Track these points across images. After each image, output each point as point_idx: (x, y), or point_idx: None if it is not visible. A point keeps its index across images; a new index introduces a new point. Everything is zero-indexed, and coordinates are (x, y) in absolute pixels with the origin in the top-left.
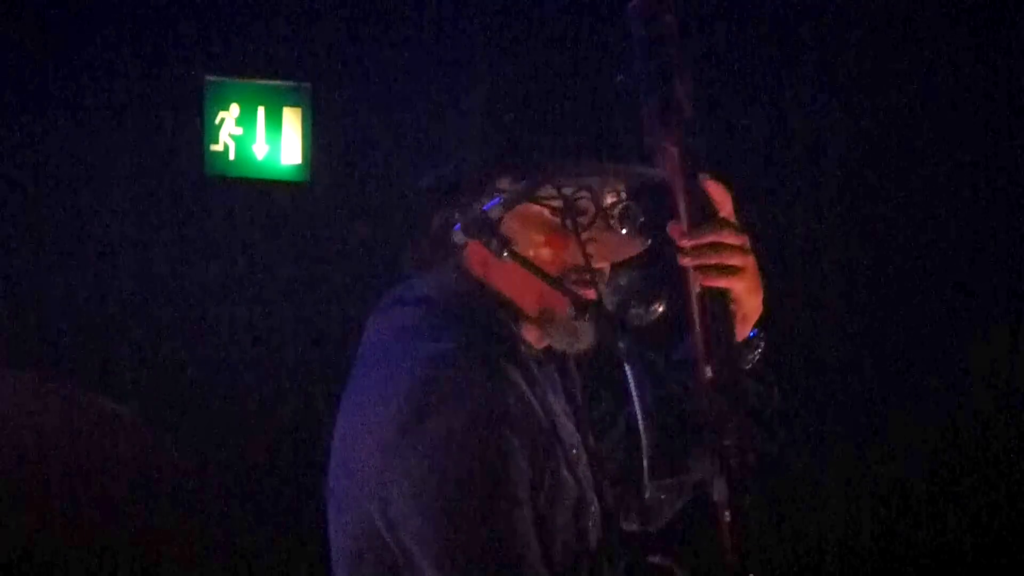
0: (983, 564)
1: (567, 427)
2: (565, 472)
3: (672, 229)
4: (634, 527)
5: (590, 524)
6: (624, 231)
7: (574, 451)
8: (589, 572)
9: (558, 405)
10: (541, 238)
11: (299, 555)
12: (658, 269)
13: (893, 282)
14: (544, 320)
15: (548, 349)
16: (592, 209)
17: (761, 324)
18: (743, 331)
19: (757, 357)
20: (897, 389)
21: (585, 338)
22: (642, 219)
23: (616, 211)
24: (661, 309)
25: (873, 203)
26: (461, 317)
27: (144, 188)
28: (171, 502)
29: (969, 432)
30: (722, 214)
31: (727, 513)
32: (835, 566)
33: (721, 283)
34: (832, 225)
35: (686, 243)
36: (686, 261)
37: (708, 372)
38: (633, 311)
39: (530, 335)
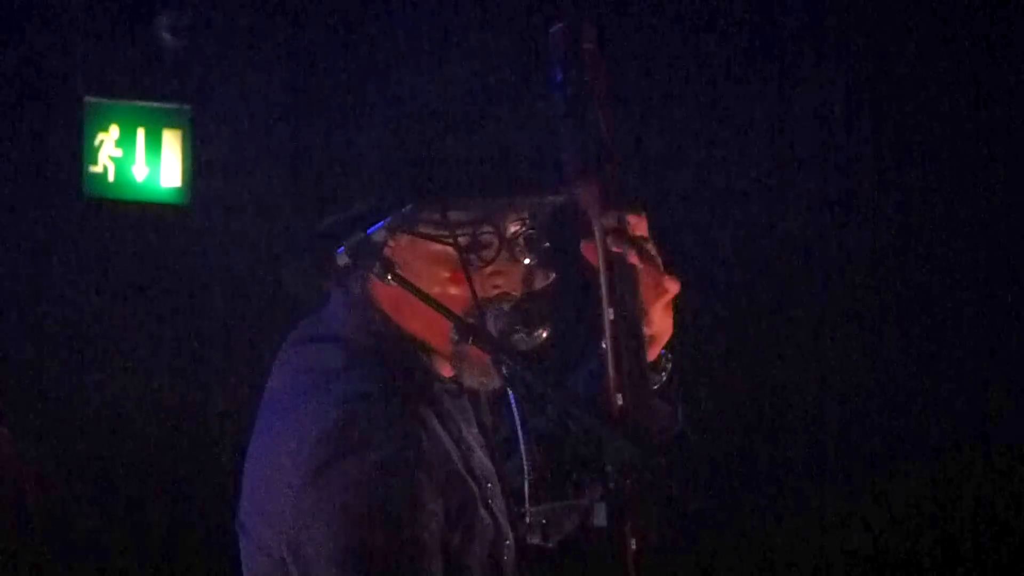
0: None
1: (481, 460)
2: (481, 511)
3: (586, 249)
4: (536, 540)
5: (505, 558)
6: (528, 260)
7: (489, 485)
8: None
9: (471, 437)
10: (441, 274)
11: None
12: (545, 294)
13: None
14: (456, 359)
15: (460, 380)
16: (496, 242)
17: (670, 345)
18: (653, 352)
19: (664, 379)
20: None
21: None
22: (545, 245)
23: (520, 240)
24: (545, 334)
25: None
26: (374, 357)
27: (21, 209)
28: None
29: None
30: (637, 235)
31: (633, 541)
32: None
33: (646, 262)
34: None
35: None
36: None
37: (618, 399)
38: (517, 336)
39: (443, 369)
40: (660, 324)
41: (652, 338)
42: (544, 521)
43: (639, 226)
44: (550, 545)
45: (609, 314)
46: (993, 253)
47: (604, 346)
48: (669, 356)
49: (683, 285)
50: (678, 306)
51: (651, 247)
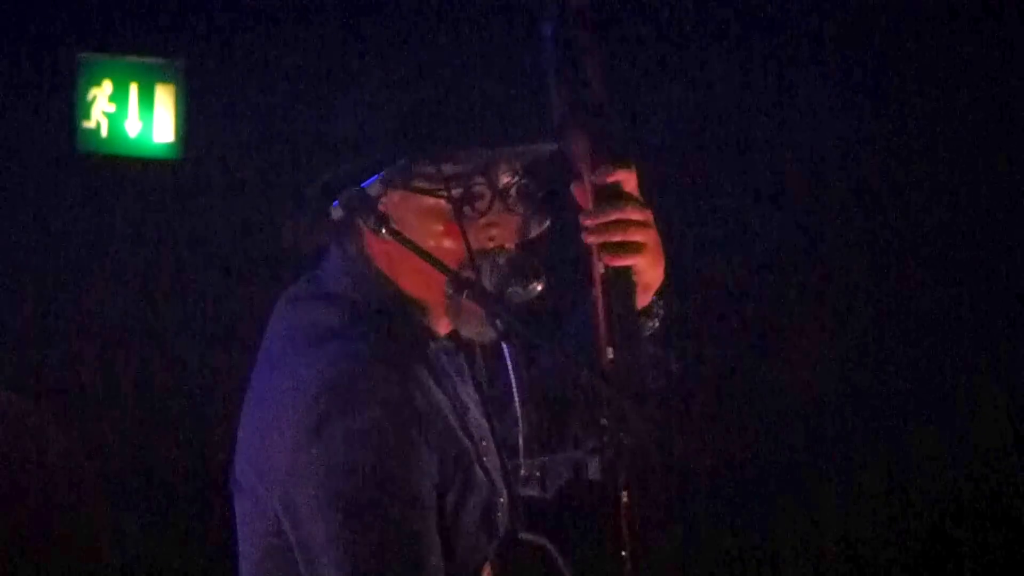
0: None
1: (476, 418)
2: (476, 468)
3: (576, 191)
4: (533, 491)
5: (498, 514)
6: (523, 211)
7: (483, 443)
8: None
9: (466, 395)
10: (435, 227)
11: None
12: (540, 247)
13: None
14: (452, 312)
15: (457, 337)
16: (488, 193)
17: (661, 292)
18: (643, 300)
19: (656, 325)
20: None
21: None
22: (540, 195)
23: (513, 191)
24: (540, 287)
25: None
26: (369, 314)
27: (14, 164)
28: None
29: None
30: (626, 189)
31: (624, 494)
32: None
33: (626, 261)
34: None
35: (590, 222)
36: (590, 239)
37: (609, 353)
38: (511, 289)
39: (438, 326)
40: (650, 274)
41: (643, 286)
42: (538, 474)
43: (628, 180)
44: (547, 495)
45: (599, 267)
46: (994, 253)
47: (594, 297)
48: (660, 302)
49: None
50: (669, 254)
51: (640, 200)
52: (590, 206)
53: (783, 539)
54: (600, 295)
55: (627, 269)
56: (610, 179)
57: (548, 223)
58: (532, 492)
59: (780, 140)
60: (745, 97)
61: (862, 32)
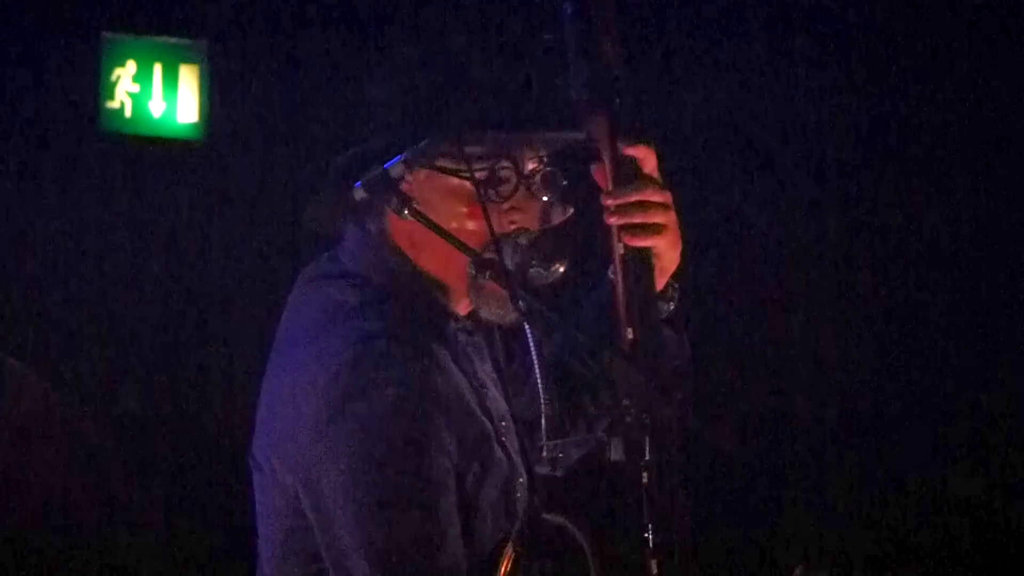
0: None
1: (495, 398)
2: (495, 448)
3: (596, 172)
4: (545, 470)
5: (517, 495)
6: (546, 197)
7: (503, 423)
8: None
9: (485, 375)
10: (458, 209)
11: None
12: (561, 228)
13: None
14: (474, 292)
15: (475, 317)
16: (514, 178)
17: (677, 275)
18: (660, 282)
19: (672, 307)
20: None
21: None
22: (564, 183)
23: (538, 177)
24: (562, 269)
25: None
26: (389, 295)
27: (38, 144)
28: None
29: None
30: (646, 171)
31: (645, 475)
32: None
33: (646, 242)
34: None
35: (610, 202)
36: (612, 220)
37: (629, 333)
38: (533, 270)
39: (458, 306)
40: (668, 256)
41: (660, 269)
42: (560, 455)
43: (648, 159)
44: (556, 474)
45: (619, 248)
46: (993, 253)
47: (613, 275)
48: (676, 286)
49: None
50: (686, 237)
51: (660, 182)
52: (610, 187)
53: (787, 525)
54: (620, 276)
55: (647, 250)
56: (629, 153)
57: (571, 212)
58: (544, 470)
59: (780, 140)
60: (745, 97)
61: (862, 32)
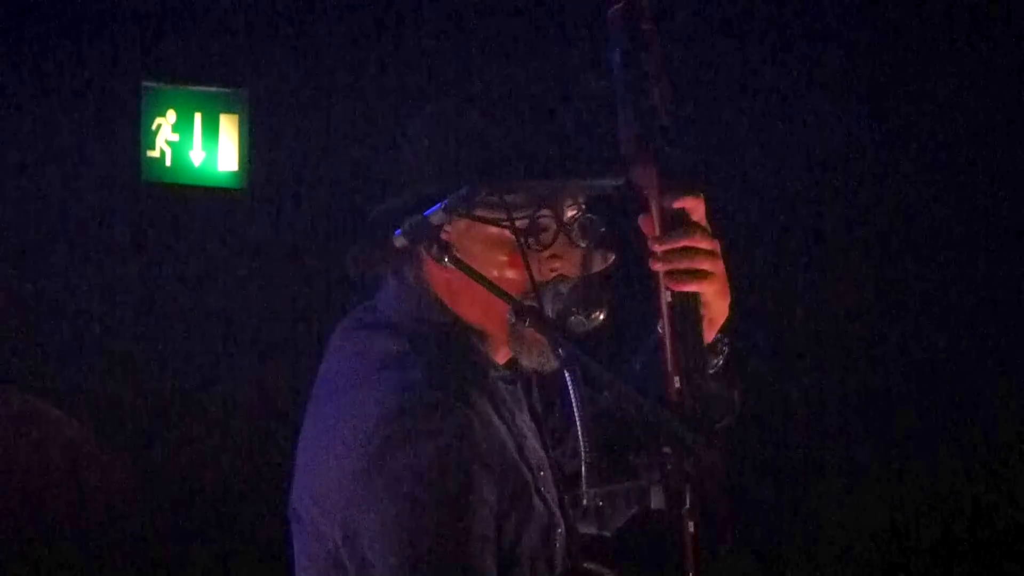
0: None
1: (534, 448)
2: (535, 499)
3: (643, 222)
4: (592, 530)
5: (557, 545)
6: (585, 244)
7: (541, 473)
8: None
9: (524, 424)
10: (499, 257)
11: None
12: (601, 276)
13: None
14: (514, 340)
15: (515, 366)
16: (553, 226)
17: (726, 329)
18: (709, 334)
19: (722, 361)
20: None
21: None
22: (603, 230)
23: (577, 225)
24: (602, 317)
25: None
26: (429, 343)
27: (79, 194)
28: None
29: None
30: (694, 219)
31: (691, 524)
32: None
33: (692, 287)
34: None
35: (658, 248)
36: (658, 266)
37: (676, 382)
38: (574, 318)
39: (498, 355)
40: (716, 307)
41: (709, 321)
42: (600, 503)
43: (697, 209)
44: (607, 534)
45: (667, 296)
46: (994, 253)
47: (661, 329)
48: (726, 340)
49: (731, 274)
50: (735, 289)
51: (708, 230)
52: (657, 233)
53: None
54: (667, 324)
55: (695, 297)
56: (677, 206)
57: (612, 259)
58: (591, 530)
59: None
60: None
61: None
